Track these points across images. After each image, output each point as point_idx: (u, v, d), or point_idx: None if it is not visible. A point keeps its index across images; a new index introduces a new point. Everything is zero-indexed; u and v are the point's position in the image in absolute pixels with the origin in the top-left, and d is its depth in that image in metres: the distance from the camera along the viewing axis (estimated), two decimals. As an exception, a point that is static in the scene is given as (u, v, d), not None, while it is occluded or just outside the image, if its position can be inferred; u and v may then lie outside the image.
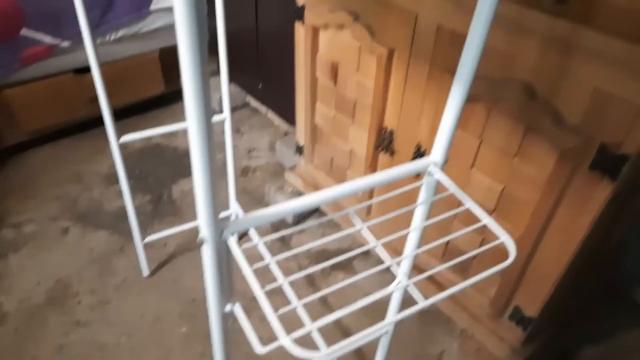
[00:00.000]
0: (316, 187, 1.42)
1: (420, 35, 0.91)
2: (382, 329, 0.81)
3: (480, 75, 0.66)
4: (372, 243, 0.51)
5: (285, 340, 0.37)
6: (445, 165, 0.57)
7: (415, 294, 0.50)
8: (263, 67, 1.83)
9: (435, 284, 1.14)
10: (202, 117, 0.32)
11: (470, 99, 0.79)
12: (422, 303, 0.43)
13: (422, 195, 0.58)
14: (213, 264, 0.43)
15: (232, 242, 0.42)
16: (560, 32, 0.71)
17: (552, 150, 0.79)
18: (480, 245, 1.00)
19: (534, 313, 0.96)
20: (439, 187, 0.57)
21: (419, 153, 1.02)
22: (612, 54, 0.67)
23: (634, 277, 1.34)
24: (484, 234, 0.98)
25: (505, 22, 0.77)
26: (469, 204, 0.51)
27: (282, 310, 0.40)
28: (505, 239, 0.47)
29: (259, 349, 0.45)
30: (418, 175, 0.67)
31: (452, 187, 0.52)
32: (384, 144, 1.10)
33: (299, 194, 1.49)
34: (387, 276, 1.31)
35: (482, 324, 1.06)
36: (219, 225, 0.41)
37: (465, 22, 0.79)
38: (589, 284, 1.23)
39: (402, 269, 0.66)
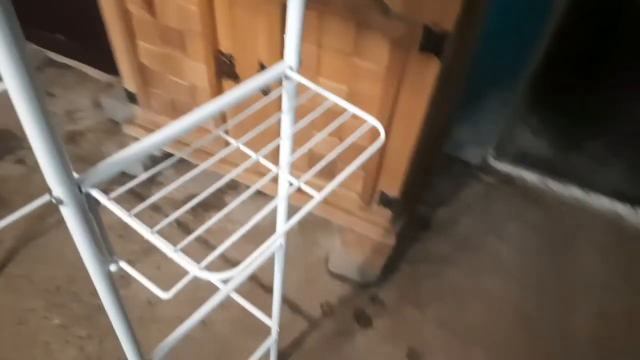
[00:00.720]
0: (163, 134, 1.32)
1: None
2: (276, 243, 0.82)
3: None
4: (249, 161, 0.50)
5: (195, 270, 0.35)
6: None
7: (309, 190, 0.50)
8: (58, 13, 1.55)
9: (307, 195, 1.18)
10: (16, 51, 0.25)
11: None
12: (317, 196, 0.44)
13: (285, 103, 0.57)
14: (81, 224, 0.37)
15: (97, 194, 0.37)
16: None
17: (384, 41, 0.84)
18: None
19: (397, 193, 1.08)
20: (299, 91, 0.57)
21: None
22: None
23: (460, 142, 1.57)
24: (341, 133, 1.03)
25: None
26: (333, 98, 0.52)
27: (180, 245, 0.38)
28: (373, 121, 0.50)
29: (164, 294, 0.42)
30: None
31: (313, 86, 0.53)
32: (225, 70, 1.05)
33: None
34: (262, 202, 1.33)
35: (356, 216, 1.15)
36: (74, 180, 0.35)
37: None
38: (430, 156, 1.40)
39: (283, 176, 0.66)
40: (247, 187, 1.46)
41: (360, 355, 1.10)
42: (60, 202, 0.35)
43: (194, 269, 0.36)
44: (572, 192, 1.55)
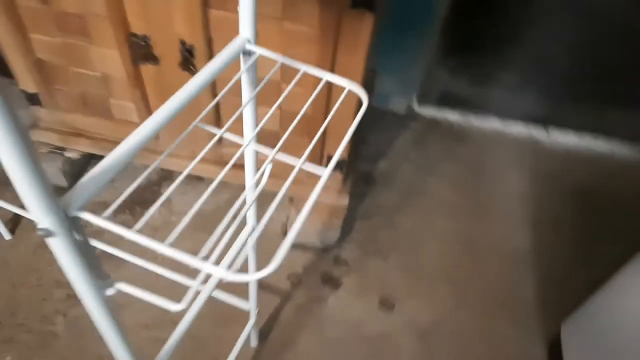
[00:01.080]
0: (79, 134, 1.20)
1: None
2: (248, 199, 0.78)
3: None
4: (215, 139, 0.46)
5: (220, 272, 0.32)
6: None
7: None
8: None
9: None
10: None
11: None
12: (324, 174, 0.42)
13: (246, 80, 0.53)
14: (73, 252, 0.32)
15: (89, 216, 0.32)
16: None
17: (314, 3, 0.81)
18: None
19: (345, 155, 1.08)
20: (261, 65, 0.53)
21: (187, 50, 0.93)
22: None
23: (385, 95, 1.60)
24: (286, 105, 1.00)
25: None
26: (304, 67, 0.49)
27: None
28: (351, 86, 0.48)
29: (175, 307, 0.39)
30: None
31: (279, 58, 0.49)
32: (142, 53, 0.96)
33: (61, 150, 1.23)
34: (202, 189, 1.27)
35: (307, 184, 1.14)
36: (61, 206, 0.30)
37: None
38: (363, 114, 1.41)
39: (251, 148, 0.62)
40: (187, 179, 1.38)
41: (336, 316, 1.12)
42: (50, 234, 0.30)
43: (222, 273, 0.33)
44: (493, 124, 1.66)
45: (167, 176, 1.36)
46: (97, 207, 1.22)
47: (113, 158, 0.35)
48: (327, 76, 0.48)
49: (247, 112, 0.55)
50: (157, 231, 1.23)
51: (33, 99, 1.14)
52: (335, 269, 1.20)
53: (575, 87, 1.54)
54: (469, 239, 1.31)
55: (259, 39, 0.90)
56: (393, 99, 1.62)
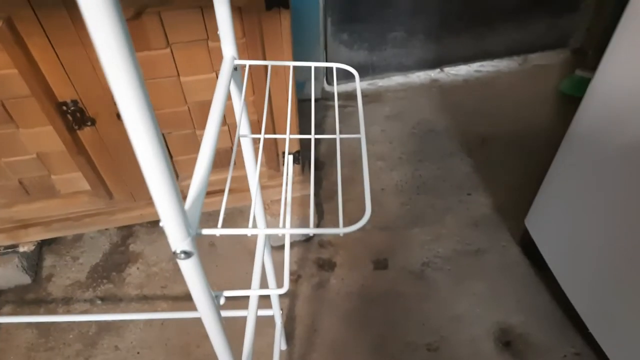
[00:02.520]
0: (27, 225, 1.14)
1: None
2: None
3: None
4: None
5: (341, 229, 0.38)
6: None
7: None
8: None
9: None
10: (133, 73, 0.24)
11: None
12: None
13: (235, 90, 0.57)
14: (200, 268, 0.36)
15: (208, 230, 0.36)
16: None
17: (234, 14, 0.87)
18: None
19: (297, 147, 1.15)
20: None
21: (122, 99, 0.93)
22: None
23: (301, 84, 1.69)
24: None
25: None
26: (292, 63, 0.55)
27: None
28: (337, 65, 0.55)
29: (280, 290, 0.43)
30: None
31: (269, 62, 0.55)
32: (77, 119, 0.95)
33: (12, 247, 1.16)
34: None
35: (270, 186, 1.20)
36: (194, 228, 0.35)
37: None
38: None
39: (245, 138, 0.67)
40: (147, 228, 1.37)
41: (342, 291, 1.19)
42: (189, 255, 0.34)
43: (340, 229, 0.39)
44: (396, 79, 1.82)
45: (127, 234, 1.33)
46: (73, 288, 1.18)
47: (199, 176, 0.39)
48: (313, 64, 0.55)
49: (241, 115, 0.59)
50: (143, 287, 1.21)
51: (-36, 207, 1.06)
52: (324, 252, 1.28)
53: (452, 25, 1.74)
54: (417, 183, 1.45)
55: (190, 65, 0.93)
56: (305, 86, 1.71)
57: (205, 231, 0.36)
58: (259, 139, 0.51)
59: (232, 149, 1.10)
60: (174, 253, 0.34)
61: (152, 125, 0.26)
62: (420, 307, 1.16)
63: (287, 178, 0.52)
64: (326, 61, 1.69)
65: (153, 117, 0.26)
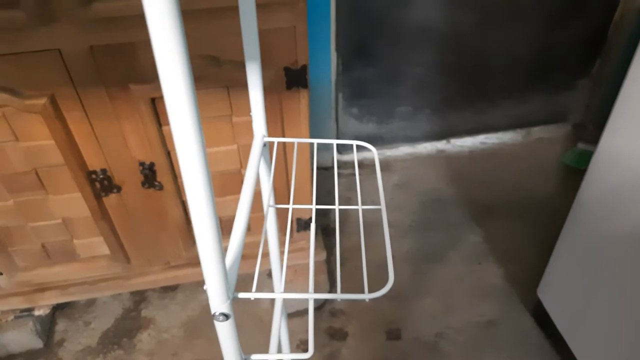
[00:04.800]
0: (44, 288, 1.16)
1: (76, 66, 0.84)
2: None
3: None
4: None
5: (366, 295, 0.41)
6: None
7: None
8: None
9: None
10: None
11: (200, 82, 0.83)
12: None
13: (264, 164, 0.62)
14: (234, 330, 0.39)
15: (244, 295, 0.39)
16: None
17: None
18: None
19: (310, 214, 1.18)
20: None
21: (149, 169, 0.99)
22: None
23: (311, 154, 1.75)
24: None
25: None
26: (315, 140, 0.60)
27: None
28: (357, 142, 0.60)
29: (305, 355, 0.45)
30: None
31: (295, 140, 0.60)
32: (104, 187, 1.00)
33: (28, 311, 1.17)
34: (178, 298, 1.28)
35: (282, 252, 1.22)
36: (232, 292, 0.38)
37: (113, 32, 0.79)
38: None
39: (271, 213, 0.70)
40: (159, 294, 1.39)
41: (355, 362, 1.18)
42: (227, 317, 0.37)
43: (366, 295, 0.41)
44: (403, 150, 1.89)
45: (140, 299, 1.34)
46: (83, 354, 1.17)
47: (235, 242, 0.42)
48: (335, 141, 0.60)
49: (266, 187, 0.64)
50: (154, 354, 1.20)
51: (-14, 270, 1.09)
52: (335, 321, 1.27)
53: (455, 101, 1.83)
54: (427, 252, 1.47)
55: (216, 135, 1.00)
56: (318, 156, 1.78)
57: (242, 295, 0.39)
58: (281, 208, 0.55)
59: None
60: (213, 315, 0.37)
61: (210, 196, 0.30)
62: (434, 379, 1.14)
63: (311, 244, 0.55)
64: (337, 132, 1.77)
65: (210, 185, 0.30)
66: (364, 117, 1.77)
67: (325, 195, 1.68)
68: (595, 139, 0.95)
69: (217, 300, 0.36)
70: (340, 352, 1.20)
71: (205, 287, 0.35)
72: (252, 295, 0.40)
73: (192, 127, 0.26)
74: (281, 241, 1.23)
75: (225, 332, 0.38)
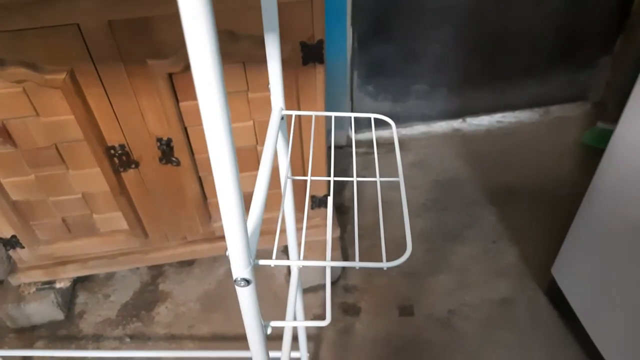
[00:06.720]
0: (65, 262, 1.19)
1: (94, 41, 0.84)
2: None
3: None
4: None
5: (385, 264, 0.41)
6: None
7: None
8: None
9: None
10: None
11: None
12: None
13: (282, 138, 0.62)
14: (255, 295, 0.40)
15: (264, 261, 0.40)
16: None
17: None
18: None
19: (325, 191, 1.19)
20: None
21: (166, 144, 1.00)
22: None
23: (327, 133, 1.75)
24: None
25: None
26: (333, 114, 0.60)
27: None
28: (375, 115, 0.60)
29: (323, 322, 0.46)
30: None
31: (312, 113, 0.60)
32: (123, 162, 1.01)
33: (49, 284, 1.21)
34: (196, 273, 1.31)
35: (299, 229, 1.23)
36: (253, 258, 0.38)
37: (130, 6, 0.79)
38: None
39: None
40: (176, 268, 1.41)
41: (367, 335, 1.19)
42: (248, 282, 0.38)
43: (384, 264, 0.42)
44: (419, 129, 1.88)
45: (157, 273, 1.37)
46: (103, 325, 1.21)
47: (255, 212, 0.43)
48: (353, 115, 0.60)
49: (283, 160, 0.64)
50: (171, 326, 1.23)
51: (10, 243, 1.12)
52: (349, 296, 1.29)
53: (473, 80, 1.80)
54: (442, 231, 1.47)
55: (232, 111, 1.00)
56: (331, 135, 1.78)
57: (262, 262, 0.40)
58: (299, 180, 0.55)
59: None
60: (235, 280, 0.38)
61: (233, 163, 0.30)
62: (448, 357, 1.15)
63: (328, 212, 0.55)
64: (352, 110, 1.76)
65: (235, 159, 0.30)
66: (379, 95, 1.76)
67: (339, 173, 1.68)
68: (615, 118, 0.93)
69: (239, 265, 0.36)
70: (353, 327, 1.22)
71: (227, 253, 0.36)
72: (272, 262, 0.40)
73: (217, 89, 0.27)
74: (296, 218, 1.24)
75: (246, 297, 0.39)
